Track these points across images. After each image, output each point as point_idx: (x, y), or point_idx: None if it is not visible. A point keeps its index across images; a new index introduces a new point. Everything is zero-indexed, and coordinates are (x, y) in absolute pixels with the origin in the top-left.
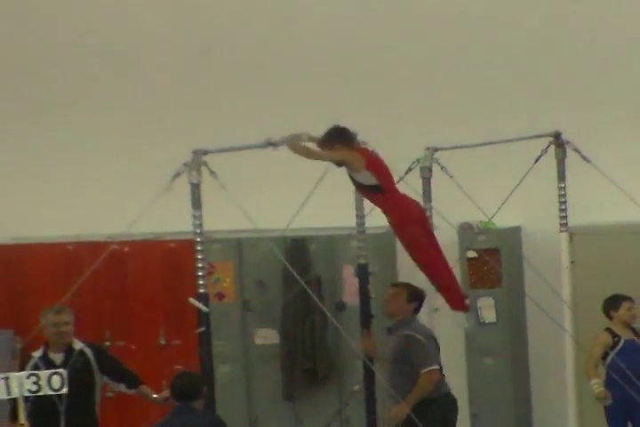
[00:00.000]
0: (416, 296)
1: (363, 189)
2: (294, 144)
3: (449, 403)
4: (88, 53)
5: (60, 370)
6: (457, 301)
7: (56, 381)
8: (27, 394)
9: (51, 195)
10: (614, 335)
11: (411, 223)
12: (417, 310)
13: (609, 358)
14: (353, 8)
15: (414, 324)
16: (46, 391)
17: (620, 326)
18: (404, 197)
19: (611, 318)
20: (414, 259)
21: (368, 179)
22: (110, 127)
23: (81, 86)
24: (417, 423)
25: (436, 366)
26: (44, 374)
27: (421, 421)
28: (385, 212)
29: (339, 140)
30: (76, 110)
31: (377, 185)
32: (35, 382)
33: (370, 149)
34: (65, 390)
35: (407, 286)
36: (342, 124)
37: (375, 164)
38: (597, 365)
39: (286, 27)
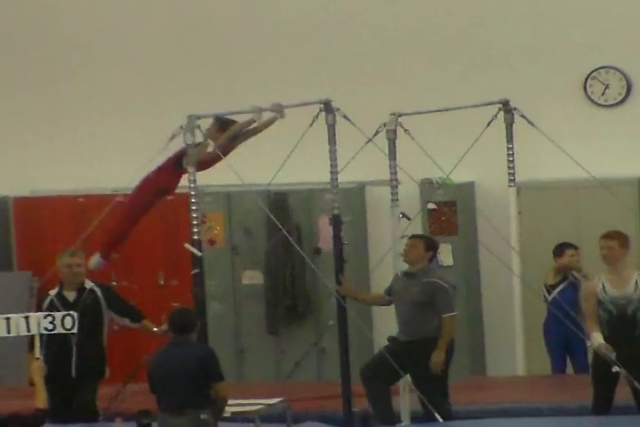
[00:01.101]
0: (431, 246)
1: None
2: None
3: (451, 344)
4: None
5: (72, 312)
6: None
7: (68, 321)
8: (43, 332)
9: (64, 153)
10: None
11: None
12: (432, 259)
13: (550, 297)
14: None
15: (438, 272)
16: (59, 330)
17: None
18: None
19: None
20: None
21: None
22: (118, 94)
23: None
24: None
25: (456, 312)
26: (58, 315)
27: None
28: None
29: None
30: (88, 75)
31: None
32: (50, 322)
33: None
34: (75, 330)
35: (423, 237)
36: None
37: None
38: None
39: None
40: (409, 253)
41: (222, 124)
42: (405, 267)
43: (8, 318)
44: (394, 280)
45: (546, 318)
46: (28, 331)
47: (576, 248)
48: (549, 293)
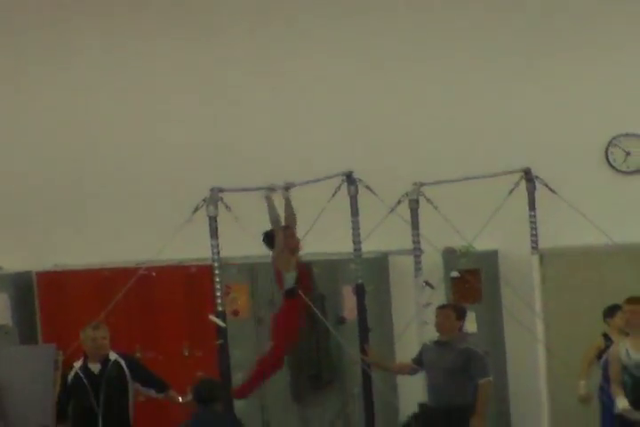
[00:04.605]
0: (462, 314)
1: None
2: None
3: None
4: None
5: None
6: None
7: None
8: None
9: (88, 226)
10: (608, 340)
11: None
12: (462, 327)
13: (602, 361)
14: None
15: (470, 339)
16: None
17: (615, 331)
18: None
19: (608, 324)
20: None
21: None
22: (141, 167)
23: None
24: None
25: (491, 377)
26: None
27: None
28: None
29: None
30: (109, 149)
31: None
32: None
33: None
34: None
35: (453, 306)
36: None
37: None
38: (589, 366)
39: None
40: (443, 324)
41: (269, 240)
42: (431, 335)
43: None
44: (424, 349)
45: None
46: None
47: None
48: (600, 357)
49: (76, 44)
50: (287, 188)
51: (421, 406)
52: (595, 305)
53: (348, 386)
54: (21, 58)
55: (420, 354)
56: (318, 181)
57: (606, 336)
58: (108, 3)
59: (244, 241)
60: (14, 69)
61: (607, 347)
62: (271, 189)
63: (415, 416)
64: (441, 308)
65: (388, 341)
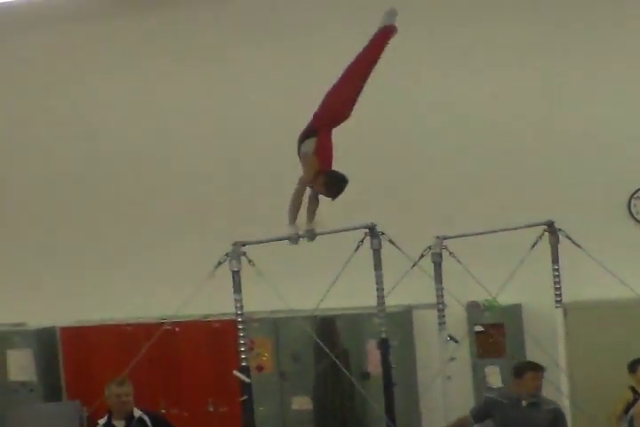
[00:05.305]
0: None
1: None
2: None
3: None
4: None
5: None
6: None
7: None
8: None
9: (111, 282)
10: (635, 393)
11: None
12: None
13: (629, 415)
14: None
15: (546, 398)
16: None
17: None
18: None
19: (632, 378)
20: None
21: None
22: (163, 222)
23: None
24: None
25: None
26: None
27: None
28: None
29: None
30: (131, 203)
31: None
32: None
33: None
34: None
35: (541, 367)
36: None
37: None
38: (617, 421)
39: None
40: (539, 386)
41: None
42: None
43: None
44: (492, 406)
45: None
46: None
47: None
48: (628, 411)
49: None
50: (309, 237)
51: None
52: (620, 359)
53: None
54: None
55: (483, 409)
56: (342, 231)
57: (634, 390)
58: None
59: (266, 296)
60: None
61: (635, 400)
62: (293, 239)
63: None
64: (536, 370)
65: (412, 395)
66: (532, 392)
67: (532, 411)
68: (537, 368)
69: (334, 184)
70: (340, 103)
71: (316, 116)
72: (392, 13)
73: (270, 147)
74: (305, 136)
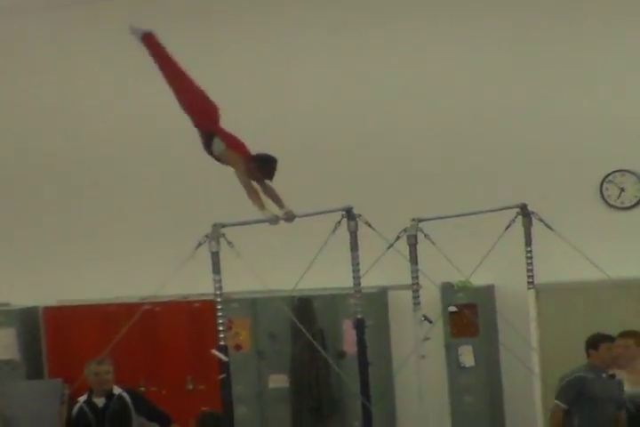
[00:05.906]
0: None
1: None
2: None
3: None
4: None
5: None
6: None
7: None
8: None
9: (91, 262)
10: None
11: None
12: None
13: None
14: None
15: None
16: None
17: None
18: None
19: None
20: None
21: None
22: (144, 203)
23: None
24: None
25: None
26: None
27: None
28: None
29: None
30: (112, 186)
31: None
32: None
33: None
34: None
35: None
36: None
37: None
38: None
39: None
40: (620, 355)
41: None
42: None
43: None
44: (582, 383)
45: None
46: None
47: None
48: None
49: None
50: (288, 219)
51: None
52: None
53: (348, 420)
54: None
55: (573, 392)
56: (319, 213)
57: None
58: None
59: (245, 276)
60: None
61: None
62: (273, 220)
63: None
64: (611, 341)
65: (387, 374)
66: (623, 365)
67: (612, 383)
68: (611, 339)
69: (265, 165)
70: (195, 103)
71: (195, 125)
72: (134, 32)
73: (249, 128)
74: (208, 144)
